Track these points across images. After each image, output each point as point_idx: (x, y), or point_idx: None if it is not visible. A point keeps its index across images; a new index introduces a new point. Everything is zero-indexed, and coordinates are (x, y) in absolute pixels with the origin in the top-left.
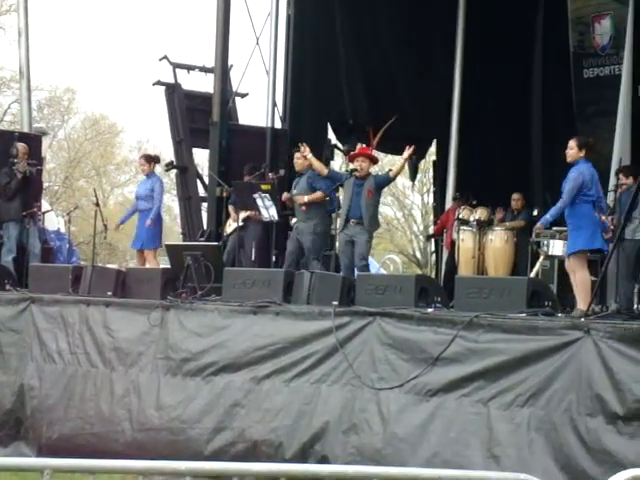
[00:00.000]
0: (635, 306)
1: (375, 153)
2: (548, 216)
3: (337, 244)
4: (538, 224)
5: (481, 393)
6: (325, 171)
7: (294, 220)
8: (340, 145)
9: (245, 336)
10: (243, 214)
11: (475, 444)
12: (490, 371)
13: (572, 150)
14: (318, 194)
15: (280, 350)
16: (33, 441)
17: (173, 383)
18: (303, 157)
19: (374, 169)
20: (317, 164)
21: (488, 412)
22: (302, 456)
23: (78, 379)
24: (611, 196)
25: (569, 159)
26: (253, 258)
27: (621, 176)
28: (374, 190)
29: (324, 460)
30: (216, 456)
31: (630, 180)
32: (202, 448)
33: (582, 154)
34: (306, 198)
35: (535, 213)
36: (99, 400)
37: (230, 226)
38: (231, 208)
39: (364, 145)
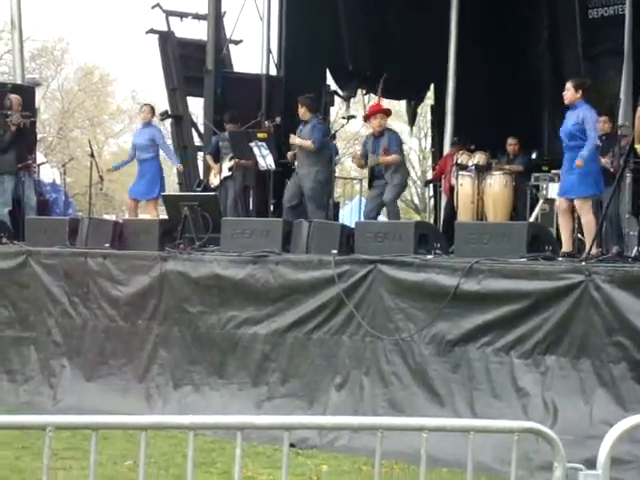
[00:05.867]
0: (636, 248)
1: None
2: (585, 152)
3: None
4: (578, 160)
5: (502, 341)
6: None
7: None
8: (340, 91)
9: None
10: (227, 163)
11: (502, 394)
12: (504, 319)
13: (569, 92)
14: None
15: (294, 301)
16: None
17: (198, 335)
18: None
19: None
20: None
21: (511, 361)
22: None
23: (99, 334)
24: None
25: (566, 101)
26: (251, 207)
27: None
28: (390, 147)
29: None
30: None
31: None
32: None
33: (579, 95)
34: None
35: (534, 156)
36: (132, 356)
37: (216, 177)
38: (209, 158)
39: (364, 92)
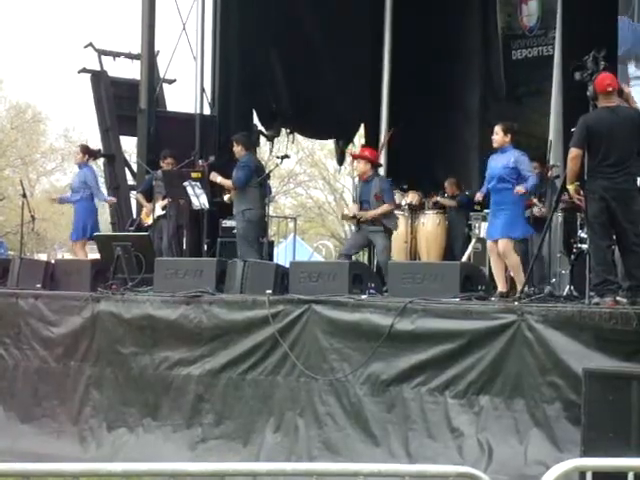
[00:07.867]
0: (567, 287)
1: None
2: (528, 184)
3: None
4: (519, 188)
5: (436, 381)
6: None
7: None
8: (264, 131)
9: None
10: (160, 202)
11: (437, 435)
12: (438, 359)
13: (498, 136)
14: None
15: (228, 342)
16: None
17: (131, 376)
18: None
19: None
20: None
21: (446, 401)
22: None
23: (31, 375)
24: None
25: (495, 144)
26: (184, 247)
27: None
28: (381, 194)
29: None
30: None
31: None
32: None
33: (508, 139)
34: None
35: (467, 193)
36: (64, 398)
37: (149, 216)
38: (140, 197)
39: (288, 131)
